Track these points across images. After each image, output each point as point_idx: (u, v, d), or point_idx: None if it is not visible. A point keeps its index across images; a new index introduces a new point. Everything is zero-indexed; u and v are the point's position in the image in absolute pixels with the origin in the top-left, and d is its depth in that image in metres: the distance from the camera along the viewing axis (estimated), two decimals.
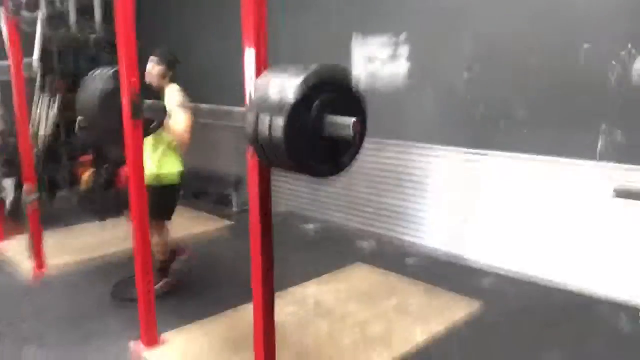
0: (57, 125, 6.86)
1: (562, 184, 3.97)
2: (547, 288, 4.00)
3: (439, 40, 4.51)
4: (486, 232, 4.44)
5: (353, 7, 5.12)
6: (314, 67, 1.81)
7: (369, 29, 5.01)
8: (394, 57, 4.88)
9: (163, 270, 3.94)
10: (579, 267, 3.95)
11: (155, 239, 3.75)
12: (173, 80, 3.71)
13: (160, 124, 3.31)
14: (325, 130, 1.85)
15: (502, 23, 4.14)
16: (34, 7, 6.28)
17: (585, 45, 3.73)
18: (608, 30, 3.62)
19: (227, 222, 5.77)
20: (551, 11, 3.89)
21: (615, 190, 2.05)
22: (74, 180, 7.15)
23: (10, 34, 4.08)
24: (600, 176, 3.76)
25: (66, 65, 6.80)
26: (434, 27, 4.55)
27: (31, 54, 6.72)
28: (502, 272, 4.27)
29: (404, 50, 4.79)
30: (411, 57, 4.77)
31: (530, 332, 3.37)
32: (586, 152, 3.81)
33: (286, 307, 3.67)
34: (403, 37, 4.78)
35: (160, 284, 3.83)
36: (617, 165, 3.68)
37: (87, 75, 3.43)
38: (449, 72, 4.50)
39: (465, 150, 4.47)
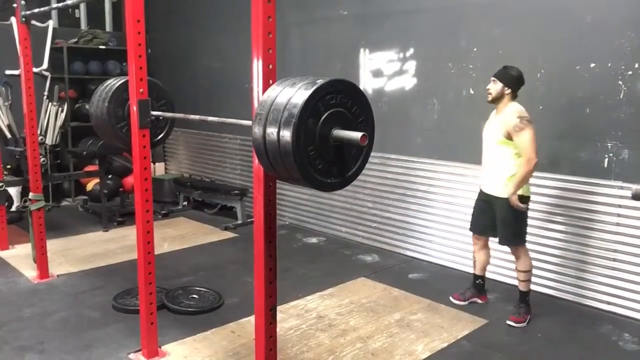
0: (63, 134, 6.94)
1: (568, 201, 3.96)
2: (550, 304, 3.97)
3: (445, 55, 4.54)
4: (489, 248, 4.41)
5: (361, 22, 5.17)
6: (322, 80, 1.82)
7: (376, 44, 5.05)
8: (400, 72, 4.91)
9: (525, 302, 3.69)
10: (584, 282, 3.93)
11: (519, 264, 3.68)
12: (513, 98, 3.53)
13: (167, 134, 3.32)
14: (333, 144, 1.85)
15: (509, 41, 4.16)
16: (44, 17, 6.37)
17: (592, 64, 3.75)
18: (615, 50, 3.63)
19: (230, 234, 5.77)
20: (558, 30, 3.91)
21: (632, 193, 2.01)
22: (79, 189, 7.20)
23: (21, 43, 4.12)
24: (607, 193, 3.76)
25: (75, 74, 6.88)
26: (441, 43, 4.58)
27: (41, 64, 6.84)
28: (506, 288, 4.24)
29: (411, 66, 4.82)
30: (417, 73, 4.80)
31: (533, 350, 3.34)
32: (593, 170, 3.80)
33: (288, 320, 3.66)
34: (409, 52, 4.81)
35: (521, 318, 3.64)
36: (624, 184, 3.68)
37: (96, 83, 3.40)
38: (454, 88, 4.53)
39: (470, 165, 4.47)
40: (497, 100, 3.52)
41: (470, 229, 3.89)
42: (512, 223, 3.56)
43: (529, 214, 3.63)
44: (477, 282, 3.95)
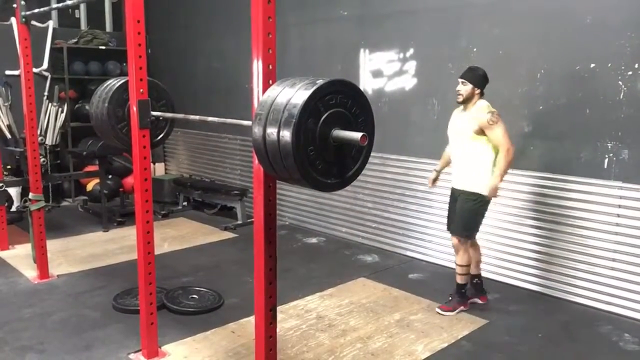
0: (63, 135, 6.94)
1: (567, 201, 3.97)
2: (550, 304, 3.97)
3: (445, 56, 4.54)
4: (490, 248, 4.42)
5: (361, 22, 5.17)
6: (321, 80, 1.82)
7: (376, 44, 5.05)
8: (400, 72, 4.91)
9: (459, 293, 3.82)
10: (584, 282, 3.93)
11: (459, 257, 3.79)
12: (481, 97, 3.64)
13: (167, 134, 3.32)
14: (333, 144, 1.86)
15: (509, 41, 4.17)
16: (44, 17, 6.37)
17: (592, 65, 3.75)
18: (615, 50, 3.63)
19: (230, 234, 5.77)
20: (558, 31, 3.91)
21: None
22: (79, 190, 7.21)
23: (21, 43, 4.12)
24: (607, 193, 3.76)
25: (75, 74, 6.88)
26: (441, 43, 4.58)
27: (41, 64, 6.84)
28: (506, 289, 4.24)
29: (410, 66, 4.82)
30: (417, 73, 4.80)
31: (533, 350, 3.34)
32: (593, 170, 3.81)
33: (288, 320, 3.66)
34: (409, 52, 4.81)
35: (450, 307, 3.79)
36: (624, 184, 3.68)
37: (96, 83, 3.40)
38: (454, 88, 4.51)
39: None
40: (467, 100, 3.62)
41: (448, 229, 3.95)
42: (466, 216, 3.67)
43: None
44: (475, 281, 3.95)
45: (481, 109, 3.56)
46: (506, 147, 3.50)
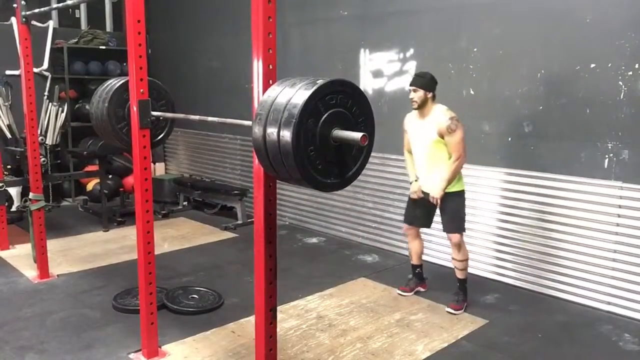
0: (64, 134, 6.94)
1: (568, 201, 3.97)
2: (550, 304, 3.97)
3: (445, 56, 4.54)
4: (490, 248, 4.42)
5: (361, 22, 5.17)
6: (322, 80, 1.82)
7: (376, 44, 5.05)
8: (400, 72, 4.91)
9: (463, 289, 3.88)
10: (584, 282, 3.93)
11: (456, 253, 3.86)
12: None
13: (168, 134, 3.33)
14: (333, 144, 1.86)
15: (509, 41, 4.16)
16: (44, 17, 6.36)
17: (592, 65, 3.75)
18: (615, 50, 3.63)
19: (230, 234, 5.77)
20: (558, 30, 3.91)
21: None
22: (79, 189, 7.21)
23: (21, 43, 4.12)
24: (607, 193, 3.76)
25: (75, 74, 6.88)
26: (441, 43, 4.58)
27: (41, 64, 6.84)
28: (507, 288, 4.24)
29: (411, 66, 4.82)
30: None
31: (533, 350, 3.34)
32: (593, 170, 3.81)
33: (288, 320, 3.66)
34: (409, 52, 4.81)
35: (460, 305, 3.82)
36: (624, 184, 3.68)
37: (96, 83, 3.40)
38: (454, 88, 4.52)
39: (470, 166, 4.46)
40: (422, 105, 3.70)
41: (405, 221, 4.10)
42: (458, 214, 3.78)
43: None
44: (417, 271, 4.15)
45: (441, 113, 3.65)
46: (459, 154, 3.61)
